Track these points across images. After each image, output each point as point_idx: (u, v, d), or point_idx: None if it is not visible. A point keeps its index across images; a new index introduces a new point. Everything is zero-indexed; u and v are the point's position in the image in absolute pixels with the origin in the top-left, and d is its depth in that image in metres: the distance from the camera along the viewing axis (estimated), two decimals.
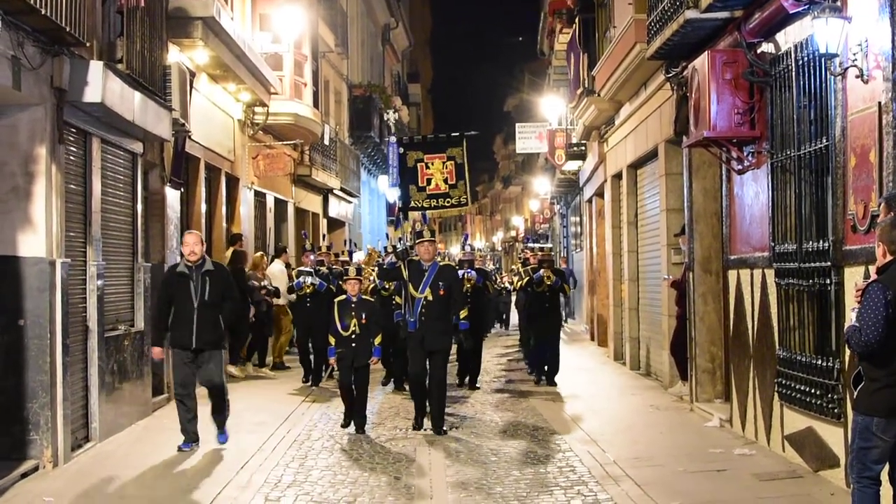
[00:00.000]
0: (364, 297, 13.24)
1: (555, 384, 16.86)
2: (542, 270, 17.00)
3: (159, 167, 14.38)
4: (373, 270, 17.32)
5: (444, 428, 12.47)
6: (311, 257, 17.61)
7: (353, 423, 12.77)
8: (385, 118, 11.33)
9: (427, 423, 12.77)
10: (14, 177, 10.12)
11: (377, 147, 35.84)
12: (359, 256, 20.59)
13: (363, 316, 12.66)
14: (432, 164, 13.41)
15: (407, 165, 13.44)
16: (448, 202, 13.51)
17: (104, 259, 11.81)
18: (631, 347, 19.32)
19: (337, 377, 13.79)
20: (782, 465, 10.05)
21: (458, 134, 13.59)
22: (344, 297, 12.97)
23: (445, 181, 13.40)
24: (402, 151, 13.50)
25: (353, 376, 12.66)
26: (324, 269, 17.46)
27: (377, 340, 12.71)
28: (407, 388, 15.58)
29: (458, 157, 13.38)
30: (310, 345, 17.09)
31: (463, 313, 12.73)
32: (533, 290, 17.26)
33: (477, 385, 16.96)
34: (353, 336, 12.60)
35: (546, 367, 17.29)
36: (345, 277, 13.58)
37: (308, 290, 16.96)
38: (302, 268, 17.62)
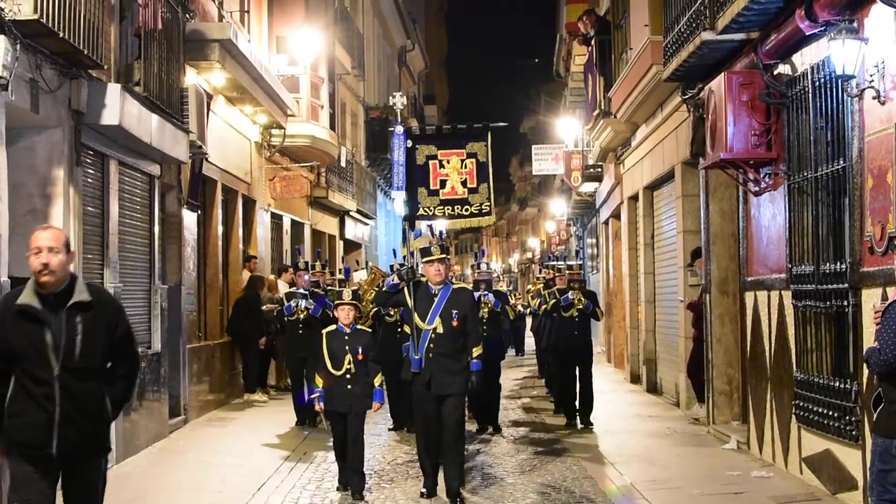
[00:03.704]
0: (360, 326, 10.76)
1: (591, 424, 14.65)
2: (570, 293, 14.99)
3: (176, 189, 14.44)
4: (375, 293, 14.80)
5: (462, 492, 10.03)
6: (306, 277, 15.29)
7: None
8: (392, 103, 10.59)
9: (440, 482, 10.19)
10: (31, 199, 10.17)
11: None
12: (360, 276, 18.81)
13: (359, 350, 10.21)
14: (448, 161, 10.89)
15: (416, 163, 10.92)
16: (466, 210, 10.94)
17: (121, 281, 11.84)
18: (647, 369, 19.25)
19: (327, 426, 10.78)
20: (800, 487, 9.99)
21: (480, 125, 11.03)
22: (334, 326, 10.47)
23: (464, 184, 10.87)
24: (410, 145, 10.96)
25: (346, 426, 10.24)
26: (319, 290, 15.16)
27: (377, 381, 10.29)
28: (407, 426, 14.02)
29: (480, 155, 10.86)
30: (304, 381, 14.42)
31: (477, 351, 10.03)
32: (560, 315, 15.20)
33: (498, 425, 14.50)
34: (348, 376, 10.15)
35: (577, 406, 15.01)
36: (336, 302, 10.74)
37: (301, 316, 14.88)
38: (294, 289, 15.53)
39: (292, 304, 14.98)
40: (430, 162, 11.00)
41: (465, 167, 10.97)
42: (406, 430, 14.09)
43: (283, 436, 13.82)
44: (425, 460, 10.15)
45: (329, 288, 15.23)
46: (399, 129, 11.22)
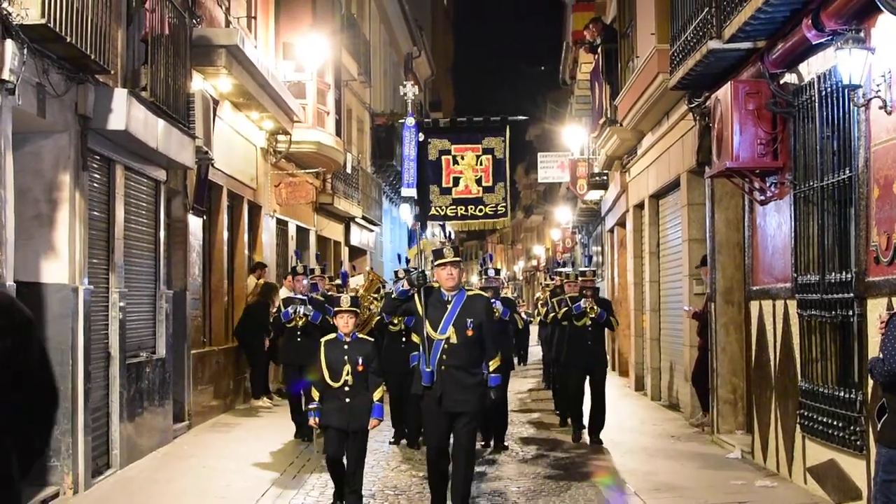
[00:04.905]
0: (360, 335, 9.96)
1: (600, 441, 13.87)
2: (583, 301, 14.04)
3: (182, 194, 14.45)
4: (374, 300, 14.66)
5: None
6: (304, 282, 14.43)
7: None
8: (402, 93, 10.07)
9: None
10: (38, 203, 10.18)
11: (399, 175, 35.90)
12: (358, 281, 17.85)
13: (359, 361, 9.43)
14: (462, 157, 9.97)
15: (428, 158, 10.02)
16: (480, 210, 9.97)
17: (126, 286, 11.85)
18: (652, 378, 19.24)
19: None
20: (804, 497, 9.97)
21: (498, 118, 10.12)
22: (334, 335, 9.75)
23: (478, 182, 9.94)
24: (422, 139, 10.08)
25: (347, 444, 9.48)
26: (318, 296, 14.38)
27: (377, 395, 9.50)
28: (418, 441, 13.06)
29: (497, 151, 9.95)
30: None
31: (494, 363, 9.17)
32: (571, 324, 14.24)
33: (505, 444, 13.56)
34: (346, 388, 9.40)
35: (588, 421, 14.22)
36: (335, 309, 10.04)
37: (299, 322, 14.02)
38: (292, 295, 14.70)
39: (290, 310, 14.09)
40: (444, 157, 10.12)
41: (481, 164, 10.06)
42: (408, 444, 13.47)
43: (287, 442, 13.79)
44: (434, 482, 9.28)
45: (329, 293, 14.58)
46: (410, 120, 10.24)
